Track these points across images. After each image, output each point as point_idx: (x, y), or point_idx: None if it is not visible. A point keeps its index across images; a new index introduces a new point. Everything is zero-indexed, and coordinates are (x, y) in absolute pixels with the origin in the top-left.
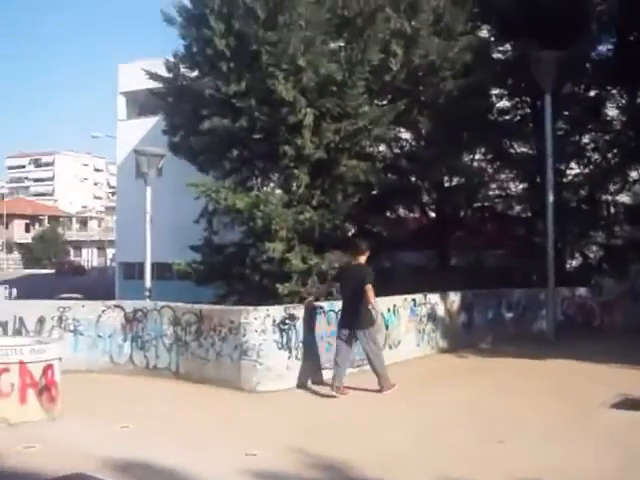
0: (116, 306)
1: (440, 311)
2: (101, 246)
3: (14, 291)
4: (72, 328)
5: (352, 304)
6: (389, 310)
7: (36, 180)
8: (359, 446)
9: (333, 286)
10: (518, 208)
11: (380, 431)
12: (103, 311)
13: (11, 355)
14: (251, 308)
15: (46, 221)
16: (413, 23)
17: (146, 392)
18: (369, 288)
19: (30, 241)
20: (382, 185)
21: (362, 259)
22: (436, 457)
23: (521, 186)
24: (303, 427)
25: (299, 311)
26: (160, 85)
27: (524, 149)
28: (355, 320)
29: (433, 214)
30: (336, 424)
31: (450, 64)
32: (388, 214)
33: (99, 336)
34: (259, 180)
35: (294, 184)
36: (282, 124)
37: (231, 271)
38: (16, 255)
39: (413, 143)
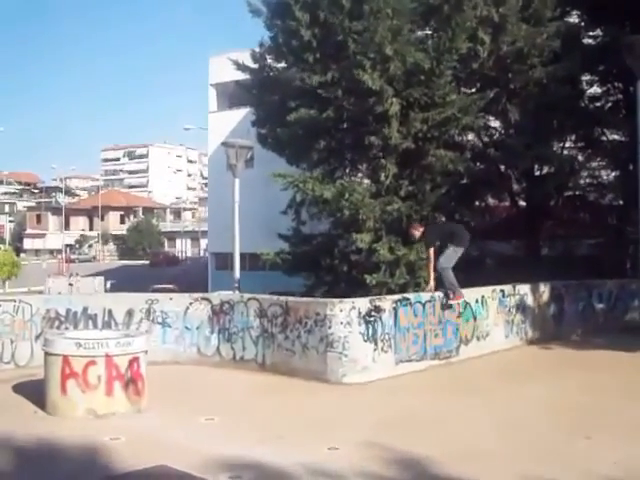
0: (203, 298)
1: (529, 302)
2: (195, 237)
3: (109, 283)
4: (160, 320)
5: None
6: (477, 301)
7: (130, 172)
8: (442, 441)
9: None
10: (610, 197)
11: (463, 426)
12: (190, 303)
13: (97, 348)
14: (336, 300)
15: (140, 212)
16: (501, 10)
17: (232, 384)
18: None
19: (125, 232)
20: (471, 174)
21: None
22: (520, 453)
23: (613, 174)
24: (387, 420)
25: (385, 303)
26: (248, 77)
27: (616, 136)
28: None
29: (523, 203)
30: (420, 418)
31: (539, 51)
32: (477, 204)
33: (187, 328)
34: (347, 171)
35: (382, 174)
36: (369, 114)
37: (319, 261)
38: (111, 246)
39: (502, 132)
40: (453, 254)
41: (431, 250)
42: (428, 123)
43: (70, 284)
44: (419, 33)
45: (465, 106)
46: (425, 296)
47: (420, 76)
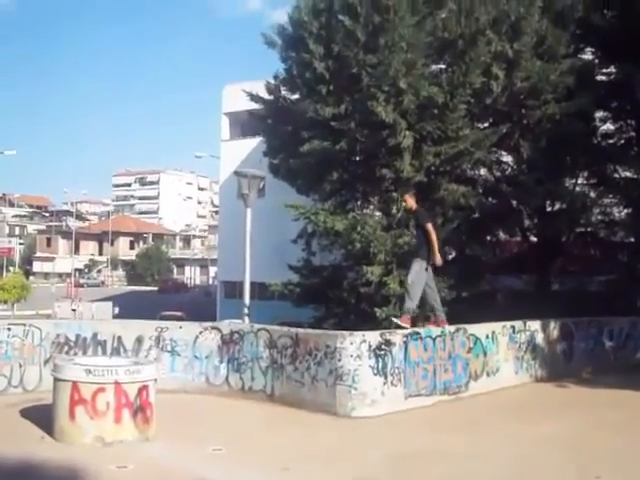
0: (213, 327)
1: (539, 339)
2: (204, 264)
3: (116, 309)
4: (169, 348)
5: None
6: (487, 337)
7: (141, 198)
8: (452, 476)
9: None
10: (621, 234)
11: (471, 463)
12: (200, 332)
13: (107, 375)
14: (347, 333)
15: (150, 239)
16: (515, 46)
17: (240, 414)
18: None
19: (134, 258)
20: (482, 209)
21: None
22: None
23: (625, 211)
24: (394, 455)
25: (395, 337)
26: (262, 107)
27: (628, 173)
28: None
29: (534, 238)
30: (427, 453)
31: (552, 87)
32: (488, 238)
33: (196, 357)
34: (358, 203)
35: (393, 207)
36: (382, 146)
37: (329, 293)
38: (120, 272)
39: (514, 167)
40: (420, 271)
41: (430, 225)
42: (440, 157)
43: (73, 309)
44: (433, 67)
45: (478, 141)
46: (435, 331)
47: (433, 110)
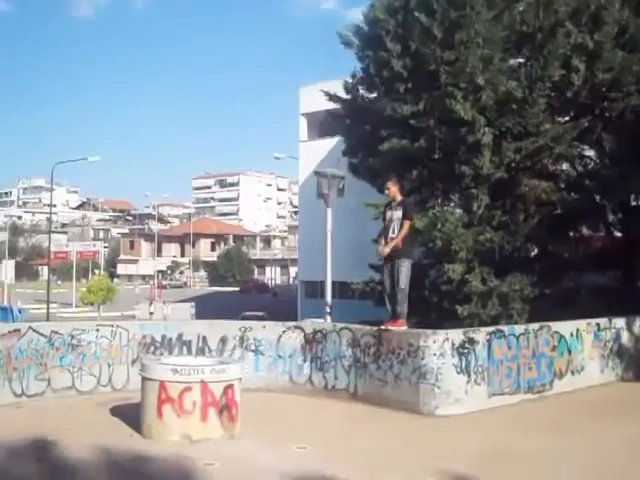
0: (296, 327)
1: (625, 336)
2: (284, 264)
3: (192, 310)
4: (253, 348)
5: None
6: (572, 334)
7: (221, 200)
8: (535, 477)
9: None
10: None
11: (558, 463)
12: (283, 332)
13: (193, 375)
14: (430, 331)
15: (231, 240)
16: (595, 37)
17: (324, 413)
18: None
19: (215, 259)
20: (565, 205)
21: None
22: None
23: None
24: (480, 454)
25: (479, 335)
26: (339, 106)
27: None
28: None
29: (619, 234)
30: (513, 453)
31: (635, 78)
32: (571, 234)
33: (279, 356)
34: (438, 200)
35: (474, 204)
36: (461, 144)
37: (410, 292)
38: (202, 273)
39: (597, 161)
40: (408, 271)
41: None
42: (521, 153)
43: (151, 312)
44: (511, 62)
45: (559, 135)
46: (519, 329)
47: (512, 105)
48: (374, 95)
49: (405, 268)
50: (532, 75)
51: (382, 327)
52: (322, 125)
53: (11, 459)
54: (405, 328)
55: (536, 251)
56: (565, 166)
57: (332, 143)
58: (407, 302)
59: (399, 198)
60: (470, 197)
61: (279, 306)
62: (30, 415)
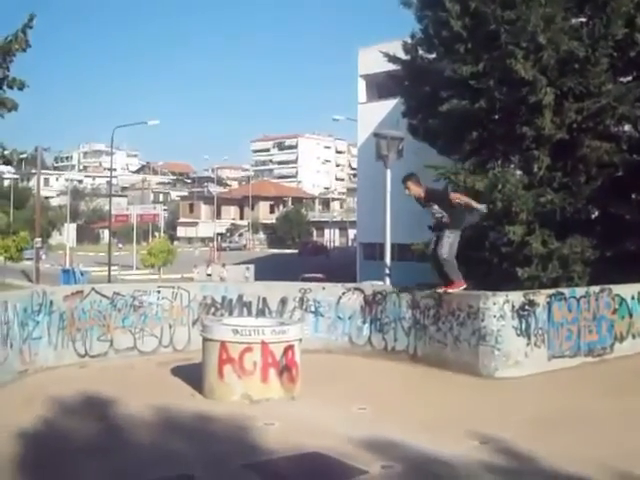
0: (356, 289)
1: None
2: (343, 227)
3: (248, 272)
4: (313, 309)
5: None
6: (633, 297)
7: (280, 163)
8: (592, 441)
9: None
10: None
11: (623, 426)
12: (343, 293)
13: (254, 335)
14: (490, 293)
15: (290, 202)
16: None
17: (384, 374)
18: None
19: (274, 222)
20: (627, 166)
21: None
22: None
23: None
24: (541, 417)
25: (539, 297)
26: (398, 68)
27: None
28: None
29: None
30: (575, 416)
31: None
32: (633, 196)
33: (339, 318)
34: (498, 162)
35: (535, 166)
36: (522, 104)
37: (470, 253)
38: (261, 235)
39: None
40: (454, 241)
41: (452, 194)
42: (583, 113)
43: (208, 274)
44: (573, 21)
45: (621, 95)
46: (580, 291)
47: (574, 65)
48: (433, 56)
49: (449, 239)
50: (595, 34)
51: (439, 290)
52: (381, 87)
53: (73, 418)
54: (463, 287)
55: (597, 213)
56: (627, 127)
57: (391, 105)
58: (456, 269)
59: (423, 194)
60: (531, 158)
61: (338, 269)
62: (93, 375)
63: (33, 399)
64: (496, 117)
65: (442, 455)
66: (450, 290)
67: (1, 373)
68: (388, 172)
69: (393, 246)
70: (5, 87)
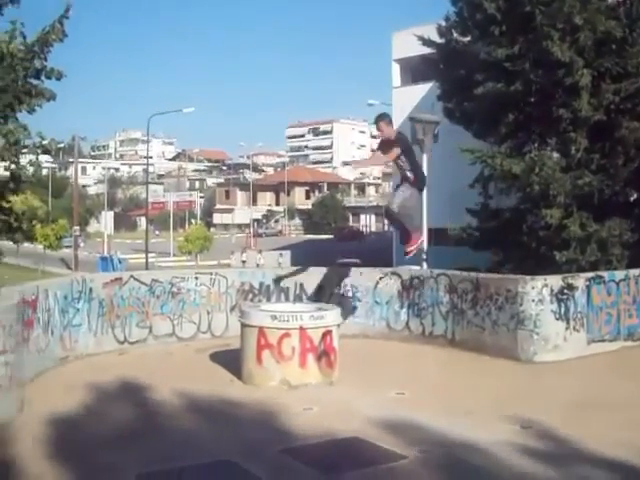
0: (393, 273)
1: None
2: (379, 212)
3: (281, 259)
4: (350, 294)
5: None
6: None
7: (315, 148)
8: (630, 426)
9: None
10: None
11: None
12: (380, 278)
13: (292, 321)
14: (528, 277)
15: (325, 188)
16: None
17: (421, 359)
18: None
19: (310, 207)
20: None
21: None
22: None
23: None
24: (580, 401)
25: (578, 281)
26: (432, 51)
27: None
28: None
29: None
30: (615, 400)
31: None
32: None
33: (376, 302)
34: (535, 145)
35: (572, 148)
36: (558, 86)
37: (507, 237)
38: (297, 221)
39: None
40: (410, 196)
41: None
42: (620, 94)
43: (243, 261)
44: (609, 0)
45: None
46: (619, 274)
47: (611, 45)
48: (468, 39)
49: (404, 193)
50: (632, 14)
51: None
52: (415, 70)
53: (113, 404)
54: (421, 241)
55: (635, 195)
56: None
57: (425, 89)
58: (410, 221)
59: (394, 136)
60: (568, 141)
61: (374, 254)
62: (132, 361)
63: (74, 385)
64: (532, 100)
65: (481, 440)
66: (409, 249)
67: (43, 360)
68: (424, 156)
69: (429, 231)
70: (43, 77)
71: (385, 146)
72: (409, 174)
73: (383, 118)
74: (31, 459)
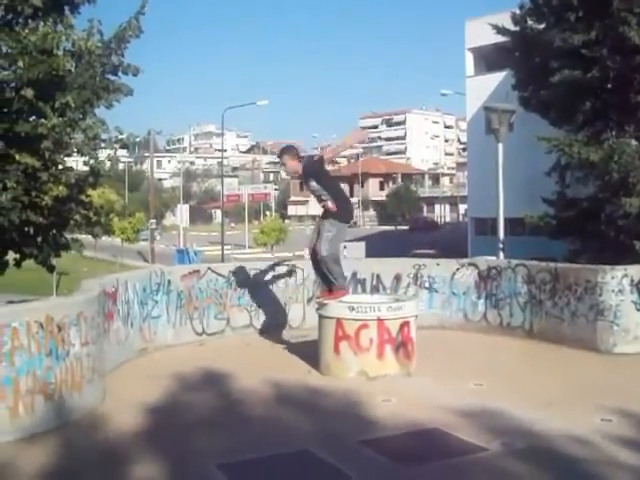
0: (470, 264)
1: None
2: (453, 202)
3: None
4: (427, 285)
5: None
6: None
7: (388, 139)
8: None
9: None
10: None
11: None
12: (457, 269)
13: (369, 312)
14: (608, 267)
15: (399, 179)
16: None
17: (500, 350)
18: None
19: (384, 198)
20: None
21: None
22: None
23: None
24: None
25: None
26: (507, 39)
27: None
28: None
29: None
30: None
31: None
32: None
33: (453, 293)
34: (613, 132)
35: None
36: (636, 72)
37: (585, 226)
38: (371, 212)
39: None
40: (337, 236)
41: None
42: None
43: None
44: None
45: None
46: None
47: None
48: (543, 26)
49: (330, 233)
50: None
51: (317, 300)
52: (489, 59)
53: (193, 393)
54: (344, 296)
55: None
56: None
57: (500, 77)
58: (338, 270)
59: (301, 170)
60: None
61: (449, 244)
62: (211, 352)
63: (155, 375)
64: (609, 86)
65: (565, 431)
66: (327, 300)
67: (123, 351)
68: (500, 146)
69: (505, 220)
70: (120, 73)
71: (301, 179)
72: (329, 204)
73: (287, 151)
74: (117, 445)
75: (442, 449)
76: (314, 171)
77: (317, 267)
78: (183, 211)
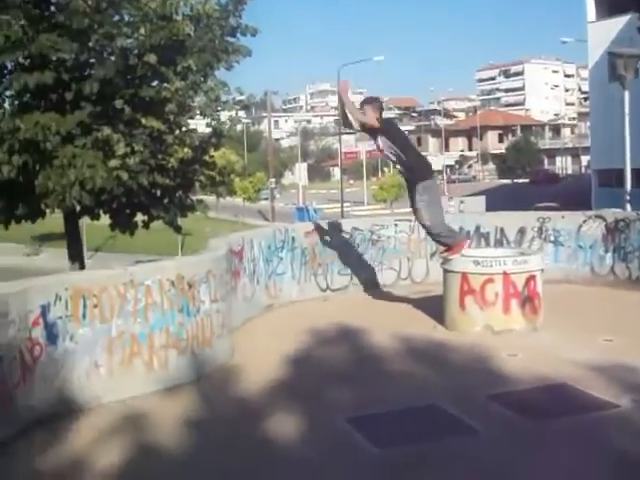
0: (597, 216)
1: None
2: (575, 153)
3: (483, 202)
4: (552, 239)
5: None
6: None
7: (506, 91)
8: None
9: None
10: None
11: None
12: (584, 221)
13: (495, 266)
14: None
15: (518, 131)
16: None
17: (629, 305)
18: None
19: (503, 151)
20: None
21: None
22: None
23: None
24: None
25: None
26: None
27: None
28: None
29: None
30: None
31: None
32: None
33: (579, 247)
34: None
35: None
36: None
37: None
38: (490, 166)
39: None
40: (432, 198)
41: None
42: None
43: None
44: None
45: None
46: None
47: None
48: None
49: (423, 201)
50: None
51: (442, 255)
52: (611, 2)
53: (326, 348)
54: (467, 246)
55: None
56: None
57: (623, 21)
58: (448, 231)
59: (375, 123)
60: None
61: (571, 197)
62: (336, 307)
63: (282, 331)
64: None
65: None
66: (451, 256)
67: (250, 307)
68: (626, 93)
69: (632, 171)
70: (239, 35)
71: (370, 134)
72: (405, 163)
73: (372, 102)
74: (249, 397)
75: (570, 404)
76: (393, 129)
77: (429, 233)
78: (302, 170)
